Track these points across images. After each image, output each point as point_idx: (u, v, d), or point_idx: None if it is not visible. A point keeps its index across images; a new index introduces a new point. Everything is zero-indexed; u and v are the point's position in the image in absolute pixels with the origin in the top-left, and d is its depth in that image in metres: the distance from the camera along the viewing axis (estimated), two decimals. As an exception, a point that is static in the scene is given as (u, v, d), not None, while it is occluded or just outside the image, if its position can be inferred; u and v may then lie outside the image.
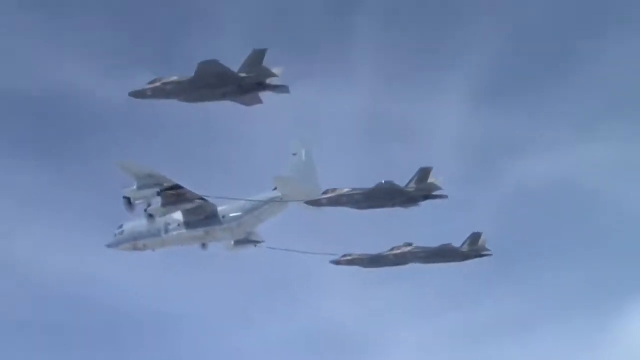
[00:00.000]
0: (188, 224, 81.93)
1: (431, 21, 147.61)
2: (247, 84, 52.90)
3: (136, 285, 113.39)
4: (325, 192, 70.36)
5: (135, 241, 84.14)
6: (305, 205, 75.65)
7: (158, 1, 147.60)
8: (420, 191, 66.62)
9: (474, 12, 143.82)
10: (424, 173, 66.23)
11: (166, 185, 76.42)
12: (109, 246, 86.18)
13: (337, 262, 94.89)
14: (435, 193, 67.60)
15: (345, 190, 68.40)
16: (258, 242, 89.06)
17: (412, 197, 67.03)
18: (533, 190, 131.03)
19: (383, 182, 65.60)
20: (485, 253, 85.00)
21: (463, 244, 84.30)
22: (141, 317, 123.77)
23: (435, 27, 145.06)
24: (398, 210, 69.61)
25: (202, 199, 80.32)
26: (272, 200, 79.54)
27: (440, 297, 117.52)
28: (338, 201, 68.63)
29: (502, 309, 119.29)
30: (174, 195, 77.76)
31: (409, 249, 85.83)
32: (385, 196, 66.59)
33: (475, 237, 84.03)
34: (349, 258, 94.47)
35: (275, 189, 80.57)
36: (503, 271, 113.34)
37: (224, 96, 54.26)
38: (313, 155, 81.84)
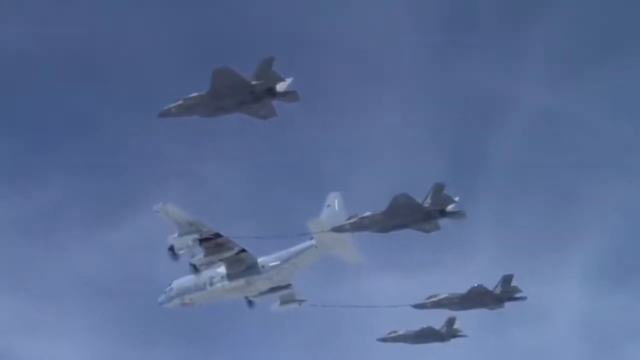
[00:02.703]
0: (230, 276, 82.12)
1: (547, 202, 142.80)
2: (258, 91, 54.21)
3: None
4: (348, 218, 69.74)
5: (183, 296, 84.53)
6: (334, 242, 76.01)
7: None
8: (435, 205, 65.23)
9: (590, 192, 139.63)
10: (438, 188, 65.19)
11: (206, 232, 77.06)
12: (160, 304, 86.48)
13: (383, 340, 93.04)
14: (451, 209, 65.92)
15: (367, 213, 67.64)
16: (302, 300, 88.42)
17: (428, 213, 65.59)
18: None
19: (399, 194, 64.46)
20: (518, 295, 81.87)
21: (495, 286, 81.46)
22: None
23: (549, 210, 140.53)
24: (420, 235, 67.93)
25: (242, 249, 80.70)
26: (304, 234, 79.36)
27: None
28: (360, 224, 67.73)
29: None
30: (215, 244, 78.39)
31: (444, 295, 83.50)
32: (403, 212, 65.25)
33: (507, 279, 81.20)
34: (394, 335, 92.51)
35: (312, 238, 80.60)
36: None
37: (239, 106, 55.52)
38: (344, 208, 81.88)
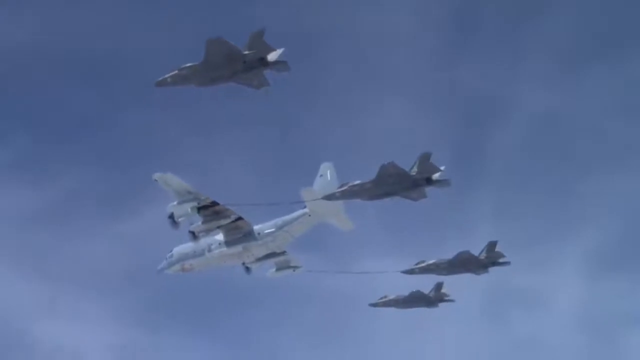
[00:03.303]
0: (227, 243, 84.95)
1: (546, 196, 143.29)
2: (250, 60, 56.49)
3: None
4: (339, 187, 72.14)
5: (182, 262, 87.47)
6: (326, 210, 78.76)
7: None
8: (422, 173, 67.36)
9: (589, 187, 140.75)
10: (425, 157, 67.36)
11: (204, 200, 79.73)
12: (160, 270, 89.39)
13: (374, 305, 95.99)
14: (437, 178, 68.04)
15: (357, 182, 70.00)
16: (297, 266, 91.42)
17: (415, 181, 67.72)
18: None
19: (386, 163, 66.55)
20: (502, 261, 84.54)
21: (480, 252, 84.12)
22: None
23: (548, 205, 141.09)
24: (407, 203, 70.28)
25: (239, 217, 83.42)
26: (297, 202, 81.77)
27: None
28: (351, 192, 70.01)
29: None
30: (212, 212, 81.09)
31: (432, 261, 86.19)
32: (391, 181, 67.44)
33: (491, 245, 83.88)
34: (385, 300, 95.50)
35: (305, 206, 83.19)
36: None
37: (232, 76, 57.74)
38: (336, 178, 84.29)
